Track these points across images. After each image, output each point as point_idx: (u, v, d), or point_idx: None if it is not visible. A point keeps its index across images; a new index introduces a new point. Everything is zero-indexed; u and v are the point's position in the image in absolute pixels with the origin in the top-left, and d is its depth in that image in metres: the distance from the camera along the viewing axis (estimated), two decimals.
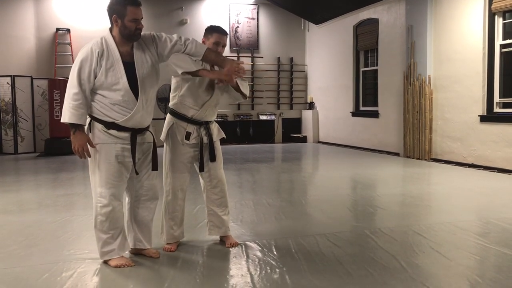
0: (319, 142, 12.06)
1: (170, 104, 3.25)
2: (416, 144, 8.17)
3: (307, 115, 12.33)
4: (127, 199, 3.06)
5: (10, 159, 9.01)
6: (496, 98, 6.91)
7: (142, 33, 2.85)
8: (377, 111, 9.61)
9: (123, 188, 2.91)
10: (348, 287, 2.54)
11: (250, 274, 2.75)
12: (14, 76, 9.80)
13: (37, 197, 5.30)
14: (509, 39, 6.77)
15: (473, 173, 6.69)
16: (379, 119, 9.55)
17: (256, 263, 2.94)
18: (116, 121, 2.78)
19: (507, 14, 6.82)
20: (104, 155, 2.79)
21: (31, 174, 7.12)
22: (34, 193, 5.51)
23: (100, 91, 2.77)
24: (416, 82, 8.13)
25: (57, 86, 9.64)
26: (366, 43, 10.15)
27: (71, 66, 2.82)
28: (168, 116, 3.25)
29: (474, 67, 7.12)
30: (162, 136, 3.22)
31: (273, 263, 2.93)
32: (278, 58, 12.37)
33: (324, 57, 11.74)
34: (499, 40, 6.86)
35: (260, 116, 12.19)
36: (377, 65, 9.77)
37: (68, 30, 10.62)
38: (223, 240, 3.35)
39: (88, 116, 2.81)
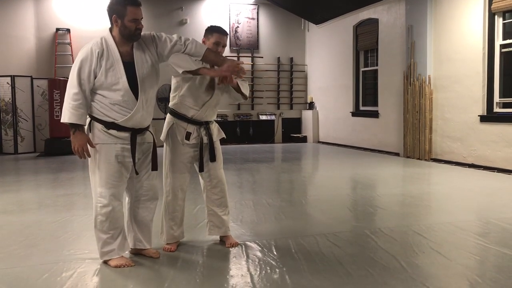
0: (319, 142, 12.06)
1: (170, 104, 3.25)
2: (416, 144, 8.17)
3: (307, 115, 12.33)
4: (127, 199, 3.06)
5: (10, 159, 9.01)
6: (496, 98, 6.91)
7: (142, 33, 2.85)
8: (377, 111, 9.61)
9: (123, 188, 2.91)
10: (348, 287, 2.54)
11: (250, 274, 2.75)
12: (14, 76, 9.80)
13: (37, 197, 5.30)
14: (509, 39, 6.77)
15: (473, 173, 6.69)
16: (379, 119, 9.55)
17: (256, 263, 2.94)
18: (116, 121, 2.78)
19: (507, 14, 6.82)
20: (104, 155, 2.79)
21: (31, 174, 7.12)
22: (34, 193, 5.52)
23: (100, 91, 2.77)
24: (416, 82, 8.13)
25: (57, 86, 9.65)
26: (366, 43, 10.15)
27: (71, 66, 2.81)
28: (168, 116, 3.25)
29: (474, 67, 7.12)
30: (162, 136, 3.22)
31: (273, 263, 2.93)
32: (278, 58, 12.37)
33: (324, 57, 11.74)
34: (499, 40, 6.86)
35: (260, 116, 12.19)
36: (377, 65, 9.77)
37: (68, 30, 10.62)
38: (223, 240, 3.35)
39: (88, 116, 2.81)
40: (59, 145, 9.39)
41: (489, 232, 3.61)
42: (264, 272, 2.78)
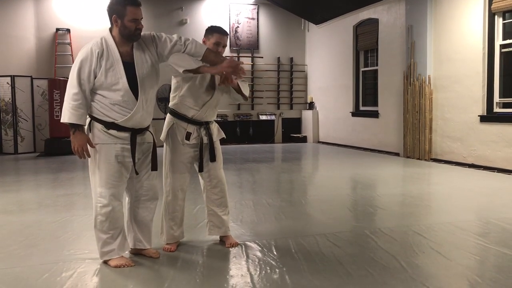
0: (319, 142, 12.06)
1: (170, 104, 3.25)
2: (416, 144, 8.17)
3: (307, 115, 12.33)
4: (127, 199, 3.06)
5: (10, 159, 9.01)
6: (496, 98, 6.91)
7: (142, 33, 2.85)
8: (377, 111, 9.61)
9: (123, 188, 2.91)
10: (348, 287, 2.54)
11: (250, 274, 2.75)
12: (14, 76, 9.80)
13: (37, 197, 5.30)
14: (509, 39, 6.77)
15: (473, 173, 6.69)
16: (379, 119, 9.55)
17: (256, 263, 2.94)
18: (116, 121, 2.78)
19: (507, 14, 6.83)
20: (104, 155, 2.79)
21: (31, 174, 7.12)
22: (34, 193, 5.51)
23: (100, 91, 2.77)
24: (416, 82, 8.13)
25: (57, 86, 9.65)
26: (366, 43, 10.15)
27: (71, 66, 2.81)
28: (168, 116, 3.25)
29: (474, 67, 7.12)
30: (162, 136, 3.22)
31: (273, 263, 2.93)
32: (278, 58, 12.37)
33: (324, 57, 11.74)
34: (499, 40, 6.86)
35: (260, 116, 12.19)
36: (377, 65, 9.77)
37: (68, 30, 10.62)
38: (223, 240, 3.35)
39: (88, 116, 2.81)
40: (59, 145, 9.39)
41: (489, 232, 3.61)
42: (264, 272, 2.78)
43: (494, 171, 6.65)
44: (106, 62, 2.75)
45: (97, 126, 2.80)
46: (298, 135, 12.40)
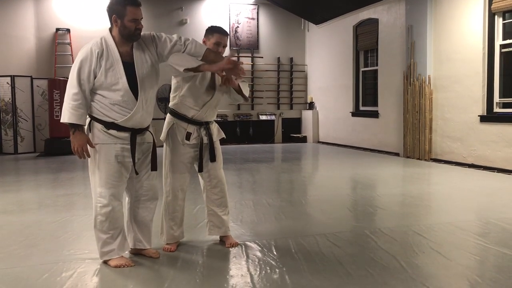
0: (319, 142, 12.06)
1: (170, 104, 3.25)
2: (416, 144, 8.17)
3: (307, 115, 12.33)
4: (127, 199, 3.06)
5: (10, 159, 9.01)
6: (496, 98, 6.91)
7: (141, 33, 2.85)
8: (377, 111, 9.61)
9: (123, 188, 2.91)
10: (348, 287, 2.54)
11: (250, 274, 2.75)
12: (14, 76, 9.80)
13: (37, 197, 5.30)
14: (509, 39, 6.77)
15: (473, 173, 6.69)
16: (379, 119, 9.55)
17: (256, 263, 2.94)
18: (115, 121, 2.78)
19: (507, 14, 6.83)
20: (103, 155, 2.79)
21: (31, 174, 7.12)
22: (34, 193, 5.52)
23: (100, 91, 2.77)
24: (416, 82, 8.13)
25: (57, 86, 9.65)
26: (366, 43, 10.15)
27: (71, 66, 2.81)
28: (168, 116, 3.24)
29: (474, 67, 7.12)
30: (162, 136, 3.22)
31: (273, 263, 2.93)
32: (278, 58, 12.37)
33: (324, 57, 11.74)
34: (499, 40, 6.86)
35: (260, 116, 12.19)
36: (377, 65, 9.77)
37: (68, 30, 10.62)
38: (223, 240, 3.35)
39: (87, 116, 2.81)
40: (59, 145, 9.39)
41: (489, 232, 3.61)
42: (264, 272, 2.78)
43: (494, 171, 6.65)
44: (106, 62, 2.74)
45: (97, 126, 2.80)
46: (298, 135, 12.40)
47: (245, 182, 6.16)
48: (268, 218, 4.12)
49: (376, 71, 9.83)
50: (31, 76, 10.06)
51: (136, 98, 2.80)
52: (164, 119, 3.29)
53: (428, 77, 7.94)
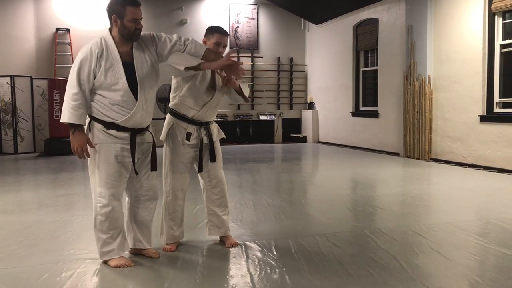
0: (319, 142, 12.06)
1: (170, 104, 3.24)
2: (416, 144, 8.17)
3: (307, 115, 12.33)
4: (126, 199, 3.06)
5: (10, 159, 9.01)
6: (496, 98, 6.91)
7: (141, 33, 2.85)
8: (377, 111, 9.61)
9: (123, 188, 2.91)
10: (348, 287, 2.54)
11: (250, 274, 2.75)
12: (14, 76, 9.80)
13: (37, 197, 5.30)
14: (509, 39, 6.77)
15: (473, 173, 6.69)
16: (379, 119, 9.55)
17: (256, 263, 2.94)
18: (115, 121, 2.78)
19: (507, 14, 6.83)
20: (103, 155, 2.79)
21: (31, 174, 7.12)
22: (34, 193, 5.51)
23: (100, 91, 2.77)
24: (416, 82, 8.13)
25: (57, 86, 9.65)
26: (366, 43, 10.15)
27: (71, 66, 2.81)
28: (168, 116, 3.24)
29: (474, 67, 7.12)
30: (162, 136, 3.22)
31: (273, 263, 2.93)
32: (278, 58, 12.37)
33: (324, 57, 11.74)
34: (499, 40, 6.86)
35: (260, 116, 12.19)
36: (377, 65, 9.77)
37: (68, 30, 10.62)
38: (223, 240, 3.35)
39: (87, 116, 2.81)
40: (58, 145, 9.39)
41: (489, 232, 3.61)
42: (264, 272, 2.77)
43: (494, 171, 6.65)
44: (105, 62, 2.74)
45: (97, 126, 2.80)
46: (298, 135, 12.40)
47: (245, 182, 6.16)
48: (268, 218, 4.12)
49: (376, 71, 9.83)
50: (31, 76, 10.06)
51: (136, 98, 2.80)
52: (164, 119, 3.29)
53: (428, 77, 7.94)
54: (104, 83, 2.75)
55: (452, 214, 4.21)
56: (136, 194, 3.00)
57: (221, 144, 3.40)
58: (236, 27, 11.96)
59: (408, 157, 8.36)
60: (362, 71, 10.48)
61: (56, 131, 9.54)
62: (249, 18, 12.07)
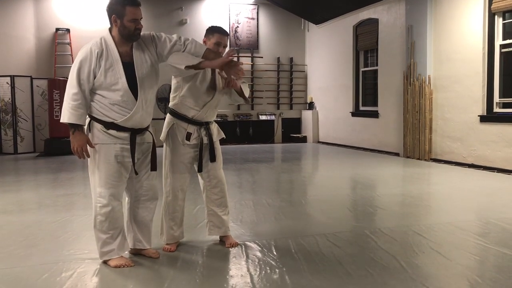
0: (319, 142, 12.06)
1: (170, 104, 3.24)
2: (416, 144, 8.17)
3: (307, 115, 12.33)
4: (126, 199, 3.06)
5: (10, 159, 9.01)
6: (496, 98, 6.91)
7: (141, 33, 2.85)
8: (377, 111, 9.61)
9: (123, 188, 2.91)
10: (348, 287, 2.54)
11: (250, 274, 2.75)
12: (13, 76, 9.80)
13: (37, 197, 5.30)
14: (509, 39, 6.77)
15: (473, 173, 6.69)
16: (379, 119, 9.55)
17: (256, 263, 2.94)
18: (115, 121, 2.78)
19: (507, 14, 6.83)
20: (103, 155, 2.79)
21: (31, 174, 7.12)
22: (34, 193, 5.51)
23: (100, 91, 2.77)
24: (416, 82, 8.13)
25: (57, 86, 9.65)
26: (366, 43, 10.15)
27: (71, 66, 2.81)
28: (168, 116, 3.24)
29: (474, 67, 7.12)
30: (162, 136, 3.22)
31: (273, 263, 2.93)
32: (278, 58, 12.37)
33: (324, 57, 11.74)
34: (499, 40, 6.86)
35: (260, 116, 12.19)
36: (377, 65, 9.77)
37: (68, 30, 10.62)
38: (223, 240, 3.35)
39: (87, 116, 2.81)
40: (58, 145, 9.39)
41: (489, 232, 3.61)
42: (264, 272, 2.77)
43: (494, 171, 6.65)
44: (105, 62, 2.74)
45: (97, 126, 2.80)
46: (298, 135, 12.40)
47: (245, 182, 6.16)
48: (268, 218, 4.12)
49: (376, 71, 9.83)
50: (31, 76, 10.06)
51: (136, 98, 2.80)
52: (164, 119, 3.28)
53: (428, 77, 7.94)
54: (104, 83, 2.75)
55: (452, 214, 4.21)
56: (136, 194, 3.00)
57: (221, 144, 3.40)
58: (236, 27, 11.96)
59: (408, 157, 8.36)
60: (362, 71, 10.48)
61: (56, 131, 9.54)
62: (249, 18, 12.07)
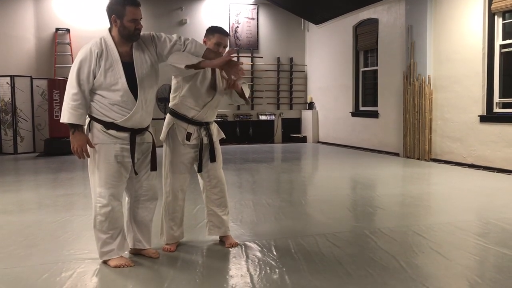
0: (318, 142, 12.06)
1: (170, 104, 3.24)
2: (415, 144, 8.17)
3: (307, 115, 12.33)
4: (126, 199, 3.06)
5: (10, 159, 9.01)
6: (496, 98, 6.91)
7: (141, 33, 2.85)
8: (377, 111, 9.61)
9: (122, 188, 2.91)
10: (348, 287, 2.54)
11: (250, 274, 2.75)
12: (13, 76, 9.80)
13: (37, 197, 5.30)
14: (509, 39, 6.77)
15: (472, 173, 6.69)
16: (379, 119, 9.55)
17: (256, 263, 2.94)
18: (115, 121, 2.78)
19: (506, 14, 6.83)
20: (103, 155, 2.79)
21: (31, 174, 7.12)
22: (34, 193, 5.51)
23: (99, 92, 2.77)
24: (416, 82, 8.13)
25: (57, 86, 9.65)
26: (366, 43, 10.15)
27: (71, 66, 2.81)
28: (168, 116, 3.24)
29: (473, 67, 7.12)
30: (162, 136, 3.22)
31: (273, 263, 2.93)
32: (278, 58, 12.37)
33: (324, 57, 11.74)
34: (498, 40, 6.86)
35: (260, 116, 12.19)
36: (377, 65, 9.77)
37: (68, 30, 10.62)
38: (222, 240, 3.35)
39: (87, 116, 2.81)
40: (58, 145, 9.39)
41: (489, 232, 3.61)
42: (263, 272, 2.77)
43: (494, 171, 6.65)
44: (105, 62, 2.74)
45: (97, 126, 2.80)
46: (298, 135, 12.40)
47: (245, 182, 6.16)
48: (268, 218, 4.12)
49: (376, 71, 9.83)
50: (30, 76, 10.06)
51: (136, 98, 2.80)
52: (164, 119, 3.28)
53: (428, 77, 7.94)
54: (104, 83, 2.75)
55: (452, 214, 4.21)
56: (136, 194, 3.00)
57: (221, 144, 3.40)
58: (236, 27, 11.96)
59: (408, 157, 8.36)
60: (362, 71, 10.48)
61: (56, 131, 9.54)
62: (249, 18, 12.07)
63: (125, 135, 2.82)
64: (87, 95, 2.75)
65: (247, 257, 3.06)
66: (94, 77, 2.74)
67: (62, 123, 2.74)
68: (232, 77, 3.08)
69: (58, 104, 9.39)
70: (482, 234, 3.55)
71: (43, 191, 5.61)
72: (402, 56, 8.59)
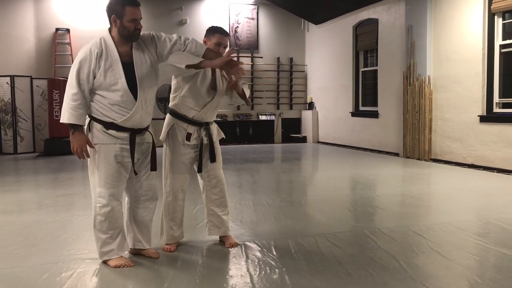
0: (318, 142, 12.06)
1: (170, 104, 3.24)
2: (415, 144, 8.17)
3: (307, 115, 12.33)
4: (126, 199, 3.06)
5: (10, 159, 9.01)
6: (496, 98, 6.91)
7: (141, 33, 2.85)
8: (377, 111, 9.61)
9: (122, 188, 2.90)
10: (348, 287, 2.54)
11: (250, 274, 2.75)
12: (13, 76, 9.80)
13: (37, 197, 5.30)
14: (509, 39, 6.77)
15: (472, 173, 6.69)
16: (379, 119, 9.55)
17: (256, 263, 2.94)
18: (115, 121, 2.78)
19: (506, 14, 6.83)
20: (103, 155, 2.79)
21: (31, 174, 7.12)
22: (34, 193, 5.51)
23: (99, 92, 2.77)
24: (415, 82, 8.13)
25: (57, 86, 9.65)
26: (365, 43, 10.15)
27: (71, 66, 2.81)
28: (168, 116, 3.24)
29: (473, 67, 7.12)
30: (162, 136, 3.22)
31: (273, 263, 2.93)
32: (278, 58, 12.37)
33: (324, 57, 11.75)
34: (498, 40, 6.86)
35: (260, 116, 12.19)
36: (376, 65, 9.77)
37: (68, 30, 10.62)
38: (222, 240, 3.35)
39: (87, 116, 2.81)
40: (58, 145, 9.39)
41: (489, 232, 3.61)
42: (263, 272, 2.77)
43: (494, 171, 6.65)
44: (105, 63, 2.74)
45: (96, 126, 2.80)
46: (297, 135, 12.40)
47: (245, 182, 6.16)
48: (267, 218, 4.12)
49: (376, 71, 9.83)
50: (30, 76, 10.06)
51: (136, 98, 2.80)
52: (164, 119, 3.28)
53: (428, 77, 7.94)
54: (104, 83, 2.75)
55: (452, 214, 4.21)
56: (136, 194, 3.00)
57: (221, 144, 3.40)
58: (236, 27, 11.96)
59: (407, 157, 8.36)
60: (362, 71, 10.48)
61: (55, 131, 9.54)
62: (249, 18, 12.07)
63: (125, 135, 2.82)
64: (87, 95, 2.75)
65: (247, 257, 3.06)
66: (94, 77, 2.74)
67: (62, 123, 2.74)
68: (233, 77, 3.08)
69: (58, 104, 9.39)
70: (482, 234, 3.55)
71: (43, 191, 5.61)
72: (402, 56, 8.59)
